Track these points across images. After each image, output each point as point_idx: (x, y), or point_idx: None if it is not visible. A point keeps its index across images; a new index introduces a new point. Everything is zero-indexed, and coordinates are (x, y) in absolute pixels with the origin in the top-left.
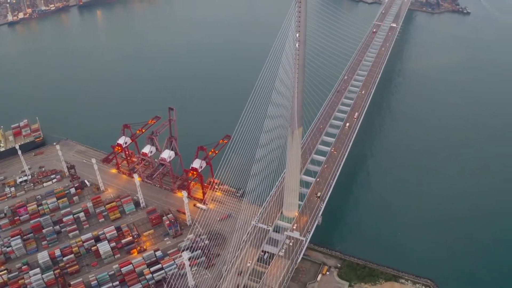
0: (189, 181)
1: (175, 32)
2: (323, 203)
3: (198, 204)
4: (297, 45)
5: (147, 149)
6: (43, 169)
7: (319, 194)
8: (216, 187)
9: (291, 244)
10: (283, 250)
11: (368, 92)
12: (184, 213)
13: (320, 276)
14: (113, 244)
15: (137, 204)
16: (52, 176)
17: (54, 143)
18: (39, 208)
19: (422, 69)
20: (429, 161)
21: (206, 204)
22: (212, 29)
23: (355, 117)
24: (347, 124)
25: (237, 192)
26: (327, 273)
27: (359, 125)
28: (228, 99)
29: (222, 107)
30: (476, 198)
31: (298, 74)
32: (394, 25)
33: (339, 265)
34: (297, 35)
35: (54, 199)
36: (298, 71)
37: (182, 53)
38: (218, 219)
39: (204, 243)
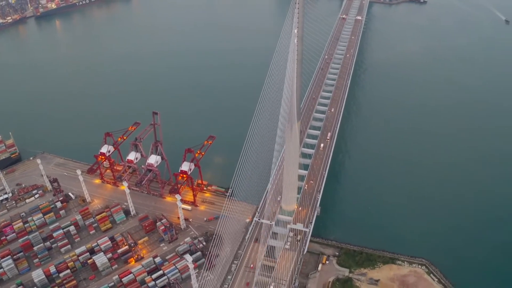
0: (180, 185)
1: (139, 36)
2: (320, 194)
3: (183, 206)
4: (295, 41)
5: (132, 155)
6: (23, 185)
7: (299, 237)
8: (206, 188)
9: (295, 236)
10: (289, 243)
11: (344, 84)
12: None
13: (320, 265)
14: (109, 255)
15: (127, 212)
16: (34, 192)
17: (31, 158)
18: (26, 225)
19: (385, 60)
20: (408, 149)
21: (197, 206)
22: (176, 31)
23: (327, 138)
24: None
25: (226, 192)
26: (327, 262)
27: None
28: (206, 100)
29: (201, 109)
30: (460, 182)
31: (297, 68)
32: (359, 17)
33: (337, 254)
34: (295, 31)
35: (40, 215)
36: (297, 66)
37: (149, 57)
38: (205, 219)
39: (203, 244)
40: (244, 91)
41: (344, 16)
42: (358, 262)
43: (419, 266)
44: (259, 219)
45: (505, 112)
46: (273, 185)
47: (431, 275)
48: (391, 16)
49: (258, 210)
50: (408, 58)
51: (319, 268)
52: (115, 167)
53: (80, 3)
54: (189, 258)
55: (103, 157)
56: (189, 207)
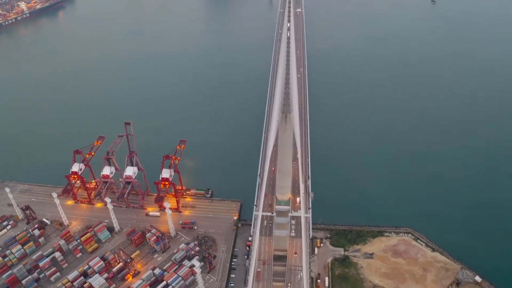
0: (164, 193)
1: (75, 49)
2: (309, 180)
3: (151, 212)
4: (288, 34)
5: (107, 170)
6: None
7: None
8: (185, 193)
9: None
10: (293, 231)
11: (303, 73)
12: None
13: (316, 249)
14: (105, 275)
15: (110, 229)
16: (5, 223)
17: None
18: (5, 259)
19: (330, 48)
20: (379, 131)
21: (181, 211)
22: (112, 40)
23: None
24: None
25: (206, 194)
26: (321, 245)
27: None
28: (169, 106)
29: (164, 115)
30: (430, 156)
31: (291, 60)
32: (299, 10)
33: (328, 235)
34: (288, 25)
35: (19, 246)
36: (291, 58)
37: (90, 68)
38: (181, 222)
39: (199, 247)
40: (204, 93)
41: (298, 10)
42: (350, 240)
43: (406, 235)
44: (259, 213)
45: (443, 88)
46: (264, 177)
47: (418, 241)
48: (321, 5)
49: (256, 203)
50: (350, 44)
51: (316, 251)
52: (90, 185)
53: (6, 23)
54: (196, 263)
55: (75, 176)
56: (157, 213)
